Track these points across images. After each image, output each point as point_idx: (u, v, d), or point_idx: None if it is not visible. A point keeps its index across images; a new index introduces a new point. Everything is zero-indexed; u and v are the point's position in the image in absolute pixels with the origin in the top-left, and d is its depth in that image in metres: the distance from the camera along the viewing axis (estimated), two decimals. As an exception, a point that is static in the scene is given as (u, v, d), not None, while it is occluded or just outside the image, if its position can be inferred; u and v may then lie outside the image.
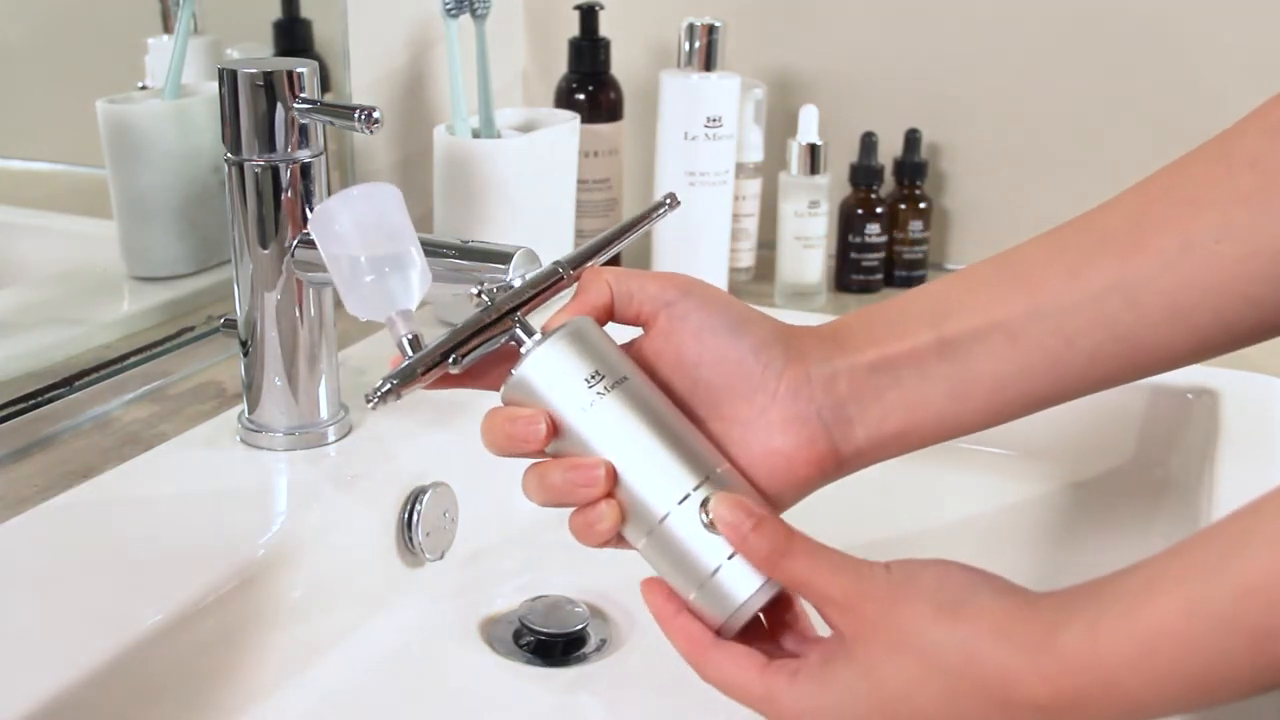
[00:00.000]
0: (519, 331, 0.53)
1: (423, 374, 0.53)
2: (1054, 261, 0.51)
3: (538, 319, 0.54)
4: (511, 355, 0.52)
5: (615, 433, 0.50)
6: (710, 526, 0.49)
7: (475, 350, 0.53)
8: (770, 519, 0.48)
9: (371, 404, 0.52)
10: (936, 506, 0.78)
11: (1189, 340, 0.50)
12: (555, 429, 0.51)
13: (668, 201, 0.59)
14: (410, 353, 0.53)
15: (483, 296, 0.54)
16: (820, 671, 0.47)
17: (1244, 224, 0.48)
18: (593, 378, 0.50)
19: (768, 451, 0.52)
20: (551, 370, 0.51)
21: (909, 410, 0.52)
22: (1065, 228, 0.53)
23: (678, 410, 0.52)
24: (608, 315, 0.54)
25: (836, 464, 0.52)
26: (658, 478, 0.50)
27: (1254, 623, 0.38)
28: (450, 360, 0.53)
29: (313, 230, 0.57)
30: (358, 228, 0.55)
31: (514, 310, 0.53)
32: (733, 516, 0.48)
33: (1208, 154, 0.51)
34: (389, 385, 0.52)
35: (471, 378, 0.54)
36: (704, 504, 0.49)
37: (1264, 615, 0.38)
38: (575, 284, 0.56)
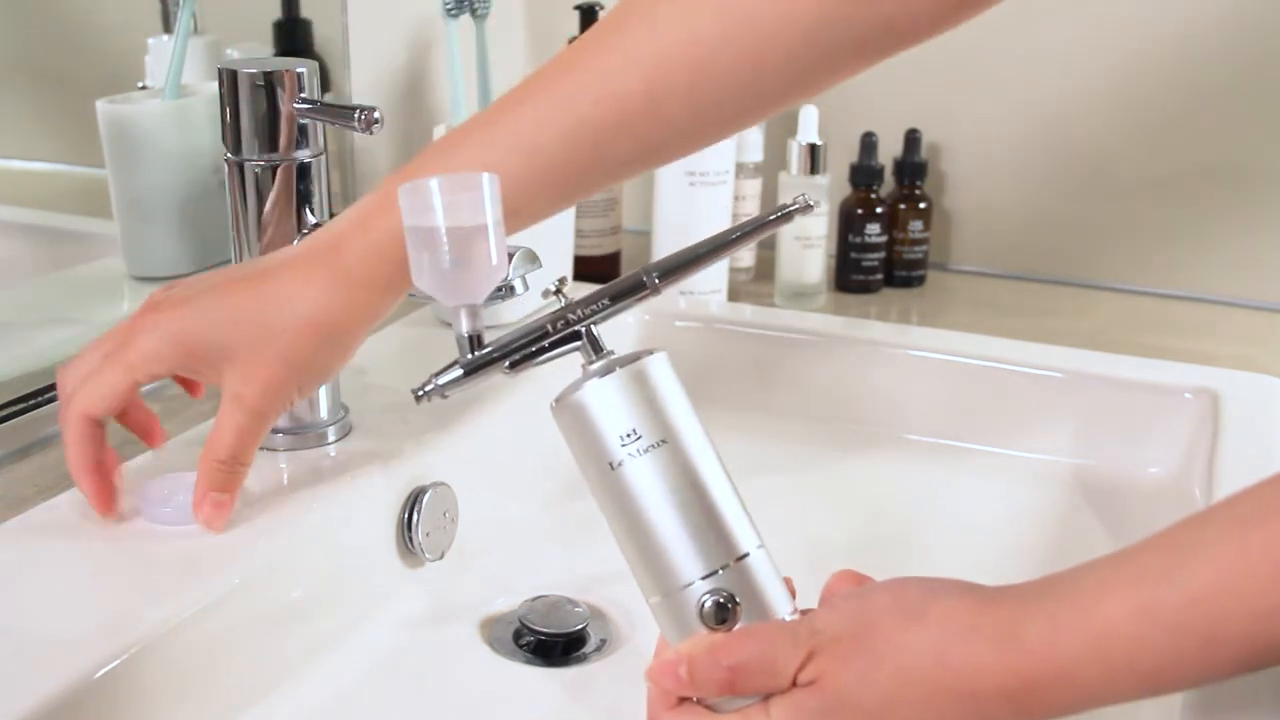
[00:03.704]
0: (587, 347, 0.51)
1: (474, 375, 0.52)
2: None
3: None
4: None
5: (639, 496, 0.48)
6: (707, 618, 0.48)
7: (536, 359, 0.52)
8: (701, 680, 0.47)
9: (417, 398, 0.53)
10: (935, 506, 0.78)
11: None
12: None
13: (797, 202, 0.54)
14: (470, 351, 0.52)
15: (560, 296, 0.51)
16: (790, 700, 0.46)
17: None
18: (636, 430, 0.48)
19: None
20: (602, 407, 0.49)
21: None
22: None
23: (722, 476, 0.50)
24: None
25: None
26: (668, 557, 0.48)
27: (1200, 629, 0.42)
28: (508, 365, 0.52)
29: (404, 203, 0.53)
30: (448, 209, 0.52)
31: (585, 320, 0.51)
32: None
33: None
34: (434, 385, 0.53)
35: None
36: (708, 594, 0.48)
37: (1209, 623, 0.41)
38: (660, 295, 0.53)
